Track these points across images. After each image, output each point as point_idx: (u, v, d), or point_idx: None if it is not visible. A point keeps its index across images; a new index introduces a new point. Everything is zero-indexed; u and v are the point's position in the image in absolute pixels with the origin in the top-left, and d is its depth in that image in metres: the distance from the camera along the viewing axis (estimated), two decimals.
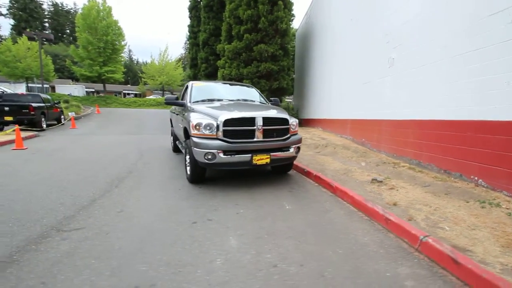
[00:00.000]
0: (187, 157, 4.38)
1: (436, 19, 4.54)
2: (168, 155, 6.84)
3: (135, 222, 2.88)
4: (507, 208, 2.94)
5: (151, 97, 41.61)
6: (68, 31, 64.67)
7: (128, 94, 50.90)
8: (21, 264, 2.08)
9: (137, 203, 3.43)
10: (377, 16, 6.39)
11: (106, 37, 24.73)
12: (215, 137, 3.86)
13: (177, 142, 6.47)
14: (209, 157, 3.79)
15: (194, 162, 4.09)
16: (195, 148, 3.90)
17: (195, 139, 3.92)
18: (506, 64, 3.31)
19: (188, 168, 4.36)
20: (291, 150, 4.25)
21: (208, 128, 3.86)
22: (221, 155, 3.80)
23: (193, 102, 4.84)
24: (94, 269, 2.03)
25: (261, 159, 3.95)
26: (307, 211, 3.28)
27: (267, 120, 4.01)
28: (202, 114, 4.16)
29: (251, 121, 3.94)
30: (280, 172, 5.06)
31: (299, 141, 4.43)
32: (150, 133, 11.88)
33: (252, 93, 5.58)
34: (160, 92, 46.58)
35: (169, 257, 2.21)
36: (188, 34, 19.23)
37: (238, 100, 5.12)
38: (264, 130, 3.99)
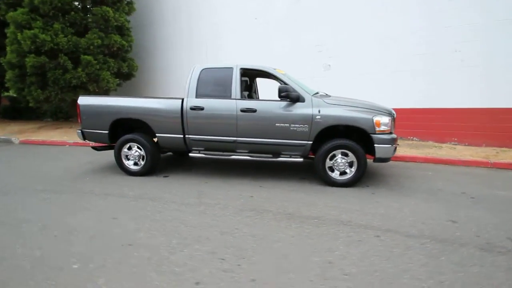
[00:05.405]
0: (330, 161, 4.02)
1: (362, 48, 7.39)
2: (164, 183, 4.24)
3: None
4: (447, 147, 6.54)
5: None
6: None
7: None
8: None
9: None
10: (303, 28, 8.12)
11: None
12: (389, 131, 4.01)
13: (199, 151, 4.25)
14: (394, 151, 3.98)
15: (364, 163, 3.89)
16: (385, 145, 3.86)
17: (384, 136, 3.86)
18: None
19: (333, 173, 4.05)
20: None
21: (389, 123, 3.91)
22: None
23: (314, 95, 4.06)
24: None
25: None
26: (438, 173, 4.86)
27: None
28: (361, 108, 3.98)
29: None
30: None
31: None
32: None
33: None
34: None
35: None
36: None
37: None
38: None
